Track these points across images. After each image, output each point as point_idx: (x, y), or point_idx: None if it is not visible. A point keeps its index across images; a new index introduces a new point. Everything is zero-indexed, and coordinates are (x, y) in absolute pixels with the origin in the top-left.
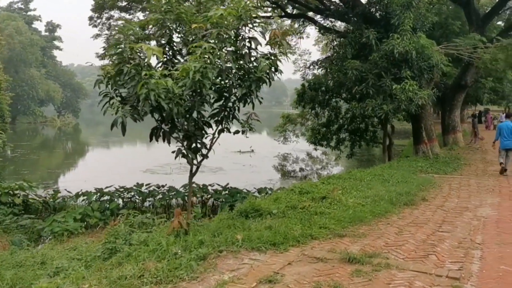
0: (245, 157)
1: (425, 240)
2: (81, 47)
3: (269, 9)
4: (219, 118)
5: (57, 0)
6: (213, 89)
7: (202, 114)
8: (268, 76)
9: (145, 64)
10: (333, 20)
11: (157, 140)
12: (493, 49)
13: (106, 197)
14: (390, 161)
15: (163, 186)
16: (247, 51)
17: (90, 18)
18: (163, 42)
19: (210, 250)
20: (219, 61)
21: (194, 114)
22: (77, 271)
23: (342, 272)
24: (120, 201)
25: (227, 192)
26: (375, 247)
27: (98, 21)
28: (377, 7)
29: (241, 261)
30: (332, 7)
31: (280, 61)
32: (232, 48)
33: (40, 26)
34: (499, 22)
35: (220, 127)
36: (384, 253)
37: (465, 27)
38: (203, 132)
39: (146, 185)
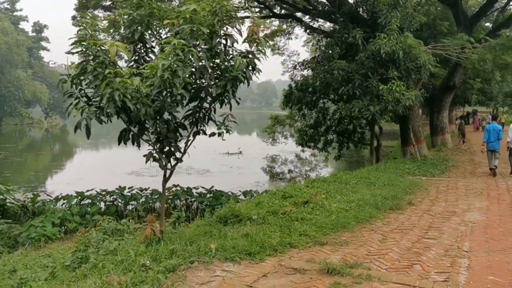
0: (233, 158)
1: (410, 248)
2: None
3: (257, 9)
4: (194, 120)
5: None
6: (187, 88)
7: (174, 115)
8: (245, 75)
9: (110, 62)
10: (320, 20)
11: (125, 143)
12: (481, 49)
13: (87, 201)
14: (378, 163)
15: (146, 189)
16: (223, 48)
17: (73, 18)
18: (135, 38)
19: (180, 261)
20: (192, 58)
21: (168, 116)
22: (37, 283)
23: (320, 285)
24: (102, 204)
25: (211, 195)
26: (357, 256)
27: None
28: (364, 6)
29: (213, 273)
30: (319, 6)
31: (258, 59)
32: (207, 46)
33: (27, 26)
34: (487, 24)
35: (195, 129)
36: (366, 263)
37: (453, 28)
38: (177, 134)
39: (129, 188)
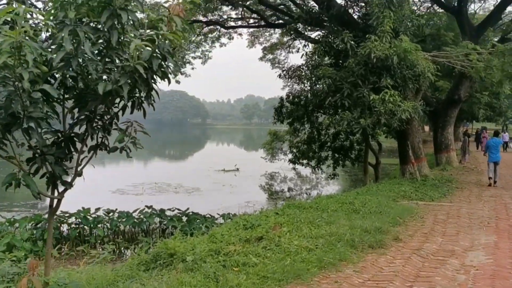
0: (229, 176)
1: None
2: None
3: (251, 20)
4: (87, 129)
5: None
6: (66, 85)
7: (40, 123)
8: (150, 67)
9: None
10: (308, 28)
11: None
12: (488, 55)
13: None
14: (377, 182)
15: (113, 210)
16: (117, 26)
17: None
18: None
19: None
20: (61, 40)
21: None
22: None
23: None
24: (65, 228)
25: (186, 217)
26: None
27: None
28: (355, 7)
29: None
30: (306, 9)
31: (175, 45)
32: (93, 24)
33: None
34: (496, 39)
35: (91, 143)
36: None
37: (459, 39)
38: (67, 149)
39: (96, 209)
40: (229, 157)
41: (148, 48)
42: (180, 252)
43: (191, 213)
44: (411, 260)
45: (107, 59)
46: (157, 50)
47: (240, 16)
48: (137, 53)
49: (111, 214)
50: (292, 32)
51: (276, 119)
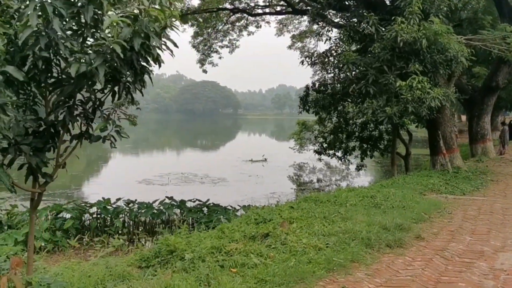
0: (257, 166)
1: None
2: None
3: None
4: (67, 116)
5: None
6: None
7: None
8: (131, 46)
9: None
10: (334, 12)
11: None
12: None
13: (67, 215)
14: (407, 174)
15: (133, 201)
16: (92, 2)
17: None
18: None
19: None
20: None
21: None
22: None
23: None
24: (88, 217)
25: (206, 209)
26: None
27: None
28: None
29: None
30: None
31: (163, 24)
32: None
33: None
34: None
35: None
36: None
37: (497, 23)
38: (51, 139)
39: (117, 199)
40: (258, 147)
41: (128, 26)
42: (181, 249)
43: (211, 204)
44: (433, 263)
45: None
46: (140, 29)
47: (267, 4)
48: (116, 31)
49: (131, 204)
50: (315, 17)
51: (302, 109)
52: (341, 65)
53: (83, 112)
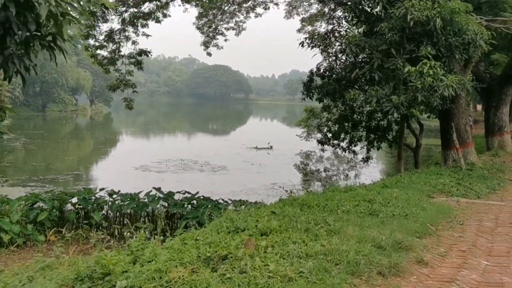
0: (262, 154)
1: None
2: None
3: None
4: None
5: None
6: None
7: None
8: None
9: None
10: None
11: None
12: None
13: (44, 205)
14: (417, 168)
15: (116, 192)
16: None
17: None
18: None
19: None
20: None
21: None
22: None
23: None
24: (70, 207)
25: (194, 202)
26: None
27: None
28: None
29: None
30: None
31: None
32: None
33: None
34: None
35: None
36: None
37: None
38: None
39: (100, 189)
40: (266, 134)
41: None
42: (118, 271)
43: (201, 197)
44: None
45: None
46: None
47: None
48: None
49: (115, 196)
50: None
51: (306, 95)
52: (343, 47)
53: None
